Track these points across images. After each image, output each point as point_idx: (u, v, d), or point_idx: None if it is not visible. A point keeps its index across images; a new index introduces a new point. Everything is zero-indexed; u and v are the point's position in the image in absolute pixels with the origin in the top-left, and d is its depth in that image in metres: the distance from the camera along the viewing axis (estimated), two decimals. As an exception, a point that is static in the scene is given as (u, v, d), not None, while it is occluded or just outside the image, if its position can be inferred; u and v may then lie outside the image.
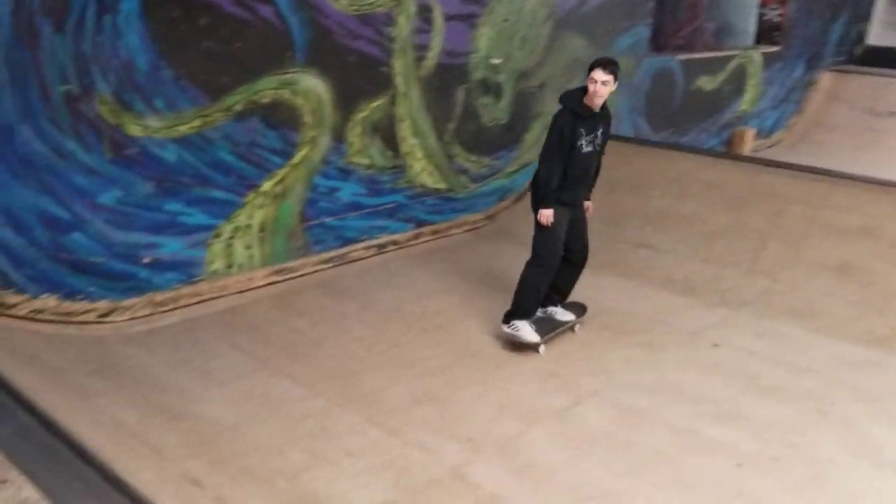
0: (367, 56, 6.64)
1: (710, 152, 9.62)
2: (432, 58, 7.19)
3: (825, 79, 13.81)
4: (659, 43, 10.52)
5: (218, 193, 5.89)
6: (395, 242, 7.26)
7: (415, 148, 7.30)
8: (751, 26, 12.60)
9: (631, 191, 7.47)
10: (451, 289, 6.34)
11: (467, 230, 7.86)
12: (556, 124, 5.04)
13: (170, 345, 5.13)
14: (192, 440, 4.01)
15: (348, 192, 6.81)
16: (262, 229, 6.23)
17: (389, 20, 6.73)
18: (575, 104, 5.02)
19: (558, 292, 5.52)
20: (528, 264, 5.28)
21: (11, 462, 2.52)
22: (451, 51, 7.33)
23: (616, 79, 4.94)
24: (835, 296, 5.98)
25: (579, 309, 5.63)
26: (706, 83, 11.15)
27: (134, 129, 5.33)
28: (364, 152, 6.84)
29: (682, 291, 6.34)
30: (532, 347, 5.22)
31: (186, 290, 5.81)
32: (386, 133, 6.97)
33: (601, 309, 5.89)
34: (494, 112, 7.90)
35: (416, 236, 7.46)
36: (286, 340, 5.31)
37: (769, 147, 12.66)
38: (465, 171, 7.86)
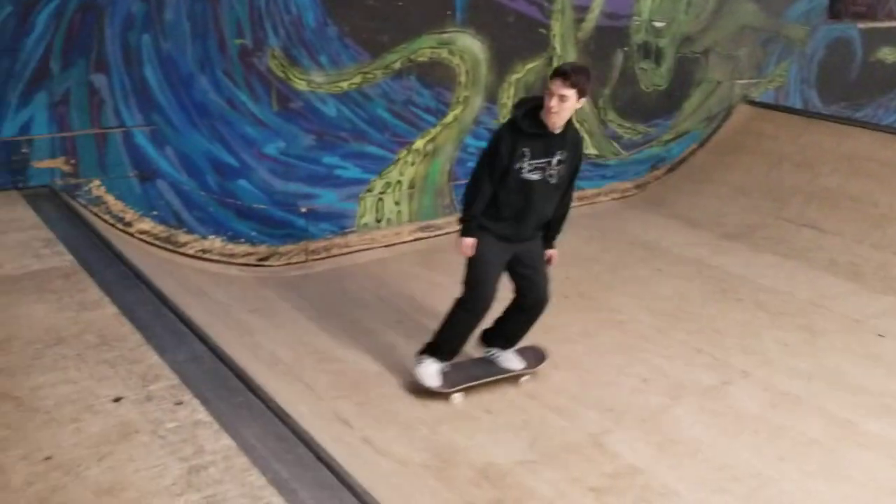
0: (525, 16, 6.58)
1: (888, 129, 8.88)
2: (592, 20, 7.03)
3: None
4: (837, 10, 9.76)
5: (372, 149, 6.05)
6: (541, 207, 7.20)
7: (568, 112, 7.17)
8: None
9: (796, 167, 7.05)
10: (595, 257, 6.24)
11: (615, 198, 7.69)
12: (494, 135, 3.97)
13: (321, 291, 5.36)
14: (341, 382, 4.19)
15: (498, 153, 6.80)
16: (411, 186, 6.37)
17: (550, -20, 6.62)
18: (520, 116, 3.83)
19: (503, 336, 4.39)
20: (455, 302, 4.16)
21: (186, 386, 2.74)
22: (612, 13, 7.13)
23: (582, 94, 3.74)
24: None
25: (534, 357, 4.47)
26: (888, 55, 10.26)
27: (299, 84, 5.55)
28: (516, 114, 6.80)
29: (847, 276, 5.95)
30: (437, 394, 4.14)
31: (338, 240, 6.05)
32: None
33: (758, 287, 5.63)
34: (653, 77, 7.64)
35: (563, 202, 7.37)
36: (429, 295, 5.42)
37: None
38: (617, 138, 7.67)
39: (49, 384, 2.69)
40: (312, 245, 5.93)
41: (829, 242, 6.34)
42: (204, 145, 5.32)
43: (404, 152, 6.24)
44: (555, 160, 3.88)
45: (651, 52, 7.57)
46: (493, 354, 4.40)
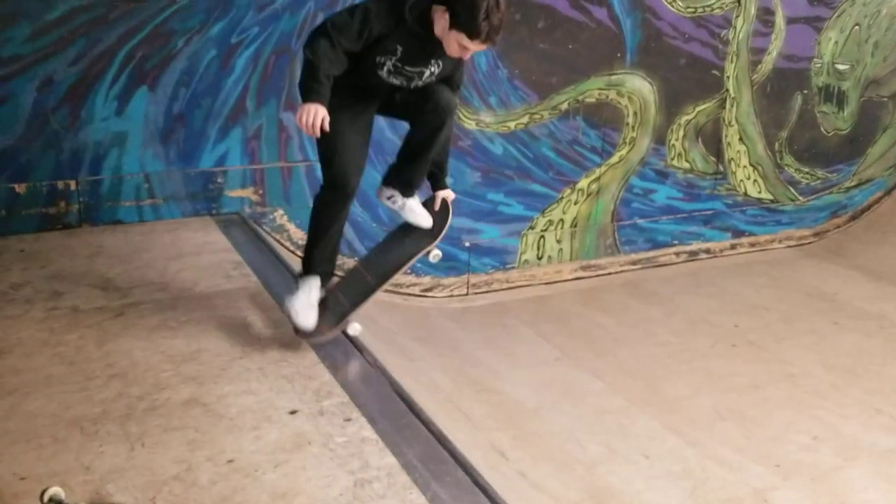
0: (698, 58, 6.48)
1: None
2: (769, 62, 6.81)
3: None
4: None
5: (536, 187, 6.14)
6: (707, 251, 6.99)
7: (740, 154, 6.96)
8: None
9: None
10: (768, 306, 5.96)
11: (791, 246, 7.31)
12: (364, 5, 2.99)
13: (481, 324, 5.48)
14: (498, 414, 4.26)
15: (664, 194, 6.71)
16: (574, 224, 6.38)
17: (726, 22, 6.48)
18: (411, 5, 2.97)
19: (401, 172, 3.55)
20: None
21: (355, 404, 2.91)
22: (790, 55, 6.87)
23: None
24: None
25: (441, 216, 3.64)
26: None
27: (469, 123, 5.75)
28: (685, 156, 6.69)
29: None
30: (308, 334, 3.29)
31: (499, 275, 6.15)
32: (710, 137, 6.74)
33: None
34: (836, 122, 7.25)
35: (733, 247, 7.11)
36: (589, 335, 5.39)
37: None
38: (794, 183, 7.32)
39: (233, 393, 2.94)
40: (474, 279, 6.07)
41: None
42: (378, 180, 5.59)
43: (568, 191, 6.28)
44: (428, 71, 3.14)
45: (833, 96, 7.20)
46: (392, 199, 3.57)
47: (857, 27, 7.14)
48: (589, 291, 6.17)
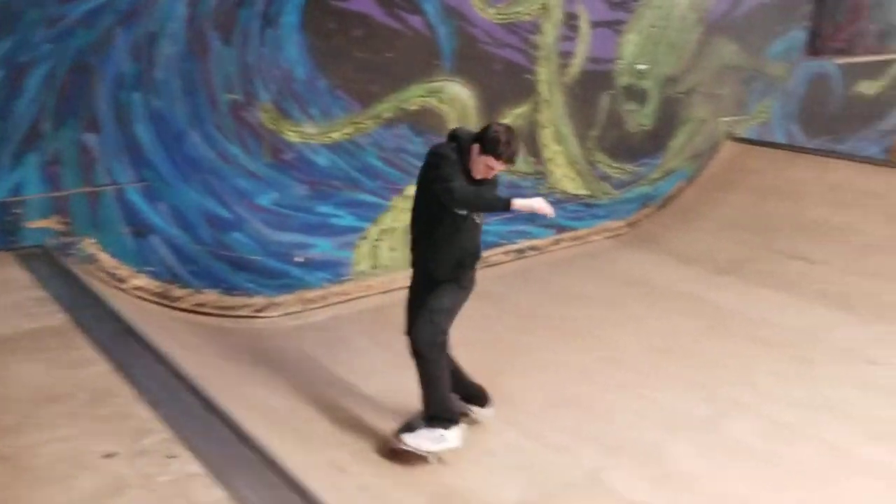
0: (512, 63, 6.72)
1: (869, 160, 9.01)
2: (577, 65, 7.18)
3: None
4: (816, 47, 9.97)
5: (366, 197, 6.13)
6: (534, 248, 7.28)
7: (557, 154, 7.30)
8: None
9: (783, 200, 7.15)
10: (591, 295, 6.28)
11: (608, 237, 7.76)
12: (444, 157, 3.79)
13: (319, 340, 5.38)
14: (338, 430, 4.19)
15: (489, 197, 6.89)
16: (406, 232, 6.42)
17: (535, 28, 6.78)
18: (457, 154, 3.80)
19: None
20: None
21: (179, 439, 2.75)
22: (596, 57, 7.29)
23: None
24: None
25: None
26: (867, 88, 10.45)
27: (291, 136, 5.65)
28: (505, 158, 6.91)
29: (837, 306, 5.99)
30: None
31: (334, 288, 6.08)
32: (528, 139, 7.02)
33: (750, 320, 5.67)
34: (639, 118, 7.77)
35: (556, 242, 7.45)
36: (426, 340, 5.43)
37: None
38: (607, 178, 7.77)
39: (41, 442, 2.69)
40: (309, 294, 5.96)
41: (817, 273, 6.40)
42: (197, 199, 5.38)
43: (397, 198, 6.32)
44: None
45: (636, 94, 7.72)
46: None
47: (653, 28, 7.68)
48: (424, 296, 6.23)
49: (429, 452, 3.90)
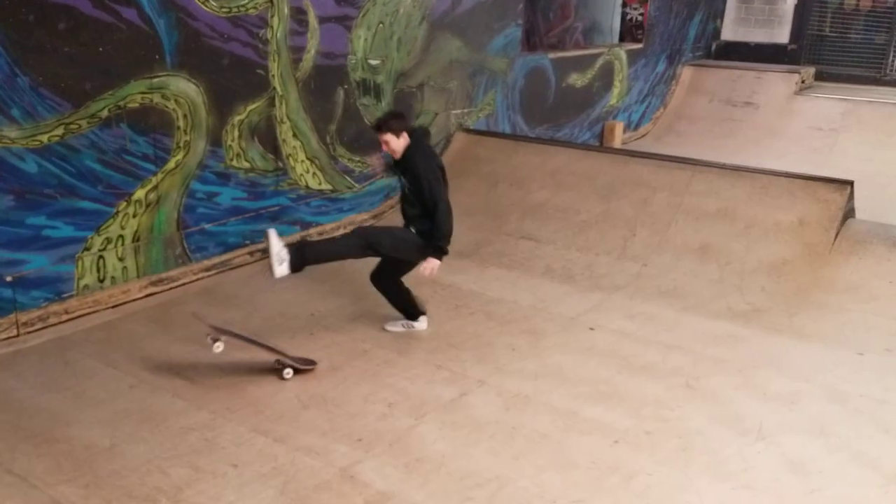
0: (241, 58, 6.52)
1: (582, 146, 9.99)
2: (309, 59, 7.13)
3: (685, 73, 14.64)
4: (531, 43, 10.82)
5: (86, 204, 5.63)
6: (279, 247, 7.13)
7: (296, 150, 7.22)
8: (616, 25, 13.17)
9: (512, 185, 7.66)
10: (338, 290, 6.31)
11: (354, 230, 7.82)
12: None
13: (38, 367, 4.88)
14: (65, 465, 3.83)
15: (228, 196, 6.67)
16: (136, 239, 6.01)
17: (263, 22, 6.63)
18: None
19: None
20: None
21: None
22: (328, 52, 7.29)
23: (395, 134, 5.27)
24: (698, 276, 6.35)
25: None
26: (577, 80, 11.56)
27: (-11, 141, 5.03)
28: (244, 155, 6.72)
29: (561, 279, 6.56)
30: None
31: (55, 307, 5.53)
32: (266, 135, 6.87)
33: (487, 300, 6.02)
34: (375, 112, 7.90)
35: (302, 238, 7.37)
36: (166, 353, 5.14)
37: (637, 139, 13.30)
38: (349, 172, 7.83)
39: None
40: (24, 316, 5.37)
41: (544, 251, 6.96)
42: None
43: (124, 204, 5.88)
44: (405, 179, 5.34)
45: (370, 89, 7.85)
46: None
47: (381, 25, 7.84)
48: (162, 307, 5.89)
49: None
